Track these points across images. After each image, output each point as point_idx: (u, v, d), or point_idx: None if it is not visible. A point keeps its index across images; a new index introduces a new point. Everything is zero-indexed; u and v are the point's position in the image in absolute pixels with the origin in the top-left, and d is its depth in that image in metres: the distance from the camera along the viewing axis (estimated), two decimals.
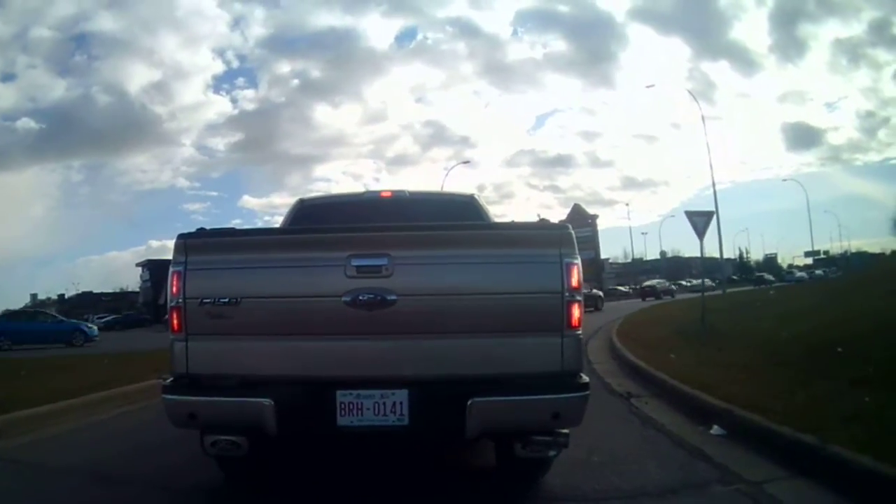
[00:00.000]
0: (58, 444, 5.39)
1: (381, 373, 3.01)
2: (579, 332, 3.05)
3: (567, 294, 2.98)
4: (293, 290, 3.03)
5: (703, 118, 32.75)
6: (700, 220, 11.56)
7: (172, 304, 3.07)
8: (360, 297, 2.92)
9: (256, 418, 2.93)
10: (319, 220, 4.76)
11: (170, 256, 3.17)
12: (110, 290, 77.41)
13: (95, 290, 76.87)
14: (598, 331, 14.78)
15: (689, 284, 70.41)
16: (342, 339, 3.00)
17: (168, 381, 3.14)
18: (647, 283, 56.32)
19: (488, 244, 3.13)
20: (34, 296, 75.73)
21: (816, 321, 9.32)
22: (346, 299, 2.93)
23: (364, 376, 3.00)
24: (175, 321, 3.07)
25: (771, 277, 67.77)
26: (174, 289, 3.06)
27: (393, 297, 2.92)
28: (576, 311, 3.01)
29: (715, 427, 4.75)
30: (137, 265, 65.45)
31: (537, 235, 3.21)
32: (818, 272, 63.46)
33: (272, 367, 3.05)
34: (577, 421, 3.05)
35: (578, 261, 3.08)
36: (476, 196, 5.38)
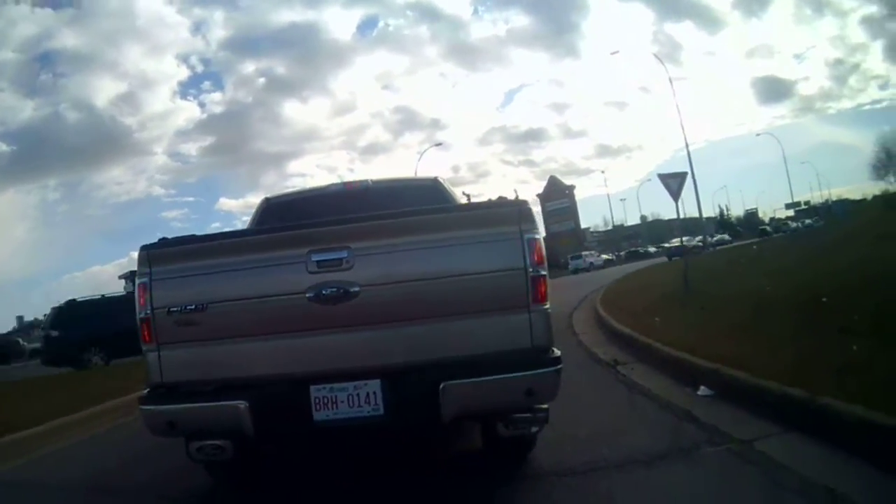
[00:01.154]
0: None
1: (352, 364, 2.97)
2: (547, 306, 3.00)
3: (531, 270, 2.94)
4: (258, 291, 2.99)
5: (670, 80, 33.00)
6: (674, 182, 11.54)
7: (141, 315, 3.07)
8: (323, 292, 2.91)
9: (234, 421, 2.91)
10: (284, 217, 4.65)
11: None
12: None
13: None
14: (583, 301, 14.74)
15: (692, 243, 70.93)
16: (310, 334, 2.97)
17: (145, 391, 3.13)
18: (675, 242, 55.62)
19: (447, 227, 3.04)
20: (20, 318, 74.75)
21: (803, 276, 9.30)
22: (309, 295, 2.91)
23: (336, 369, 2.97)
24: (145, 332, 3.07)
25: (769, 230, 68.50)
26: (141, 300, 3.07)
27: (356, 289, 2.91)
28: (542, 286, 2.97)
29: (702, 388, 4.67)
30: (120, 277, 64.66)
31: (496, 214, 3.12)
32: (808, 221, 63.82)
33: (244, 368, 3.03)
34: (551, 396, 3.00)
35: (540, 235, 3.05)
36: (439, 179, 5.38)
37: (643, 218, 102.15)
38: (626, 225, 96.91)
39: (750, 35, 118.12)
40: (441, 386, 2.82)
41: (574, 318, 11.34)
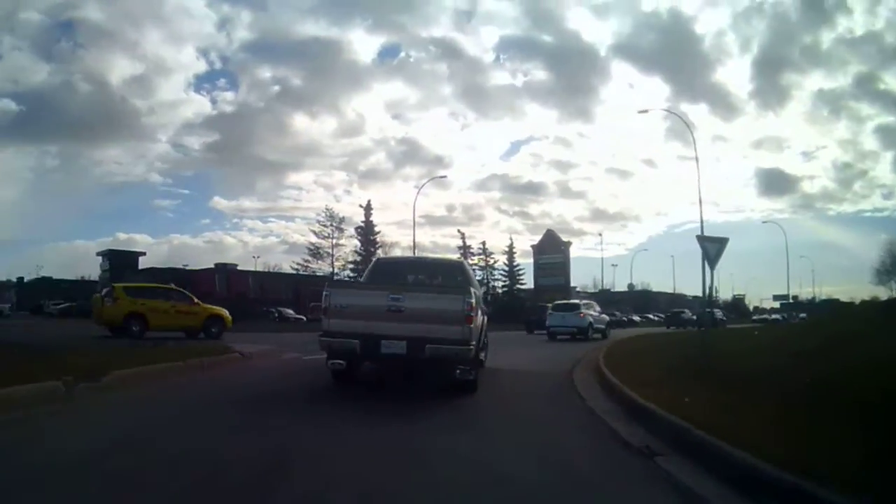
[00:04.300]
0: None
1: (395, 334, 7.57)
2: (472, 324, 7.68)
3: (465, 310, 7.66)
4: (368, 303, 7.83)
5: (693, 141, 32.14)
6: (712, 247, 10.49)
7: (325, 305, 7.90)
8: (390, 308, 7.65)
9: (351, 349, 7.72)
10: (384, 271, 10.52)
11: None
12: (71, 278, 74.34)
13: (55, 277, 74.01)
14: (578, 363, 13.47)
15: (656, 319, 70.25)
16: (383, 321, 7.61)
17: (321, 333, 7.85)
18: (675, 310, 55.61)
19: (441, 290, 8.72)
20: None
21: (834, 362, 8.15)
22: (386, 308, 7.66)
23: (391, 335, 7.57)
24: (326, 311, 7.88)
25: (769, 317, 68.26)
26: (326, 301, 7.88)
27: (402, 309, 7.65)
28: (469, 318, 7.64)
29: None
30: (98, 254, 62.88)
31: (457, 290, 8.21)
32: (802, 315, 63.22)
33: (359, 329, 7.64)
34: (467, 359, 7.69)
35: (472, 298, 7.82)
36: (463, 261, 14.26)
37: (630, 286, 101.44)
38: (613, 290, 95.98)
39: (762, 126, 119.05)
40: (426, 346, 7.45)
41: (576, 378, 10.10)
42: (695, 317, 40.02)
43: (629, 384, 8.03)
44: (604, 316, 29.71)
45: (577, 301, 31.03)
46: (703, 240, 10.71)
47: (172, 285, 24.07)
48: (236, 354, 11.93)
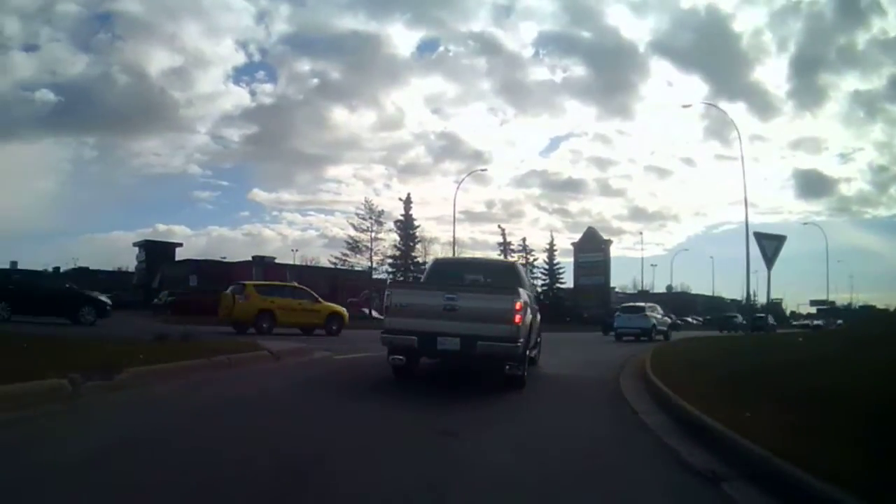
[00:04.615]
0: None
1: (450, 331, 8.12)
2: (520, 323, 8.21)
3: (514, 310, 8.17)
4: (426, 302, 8.41)
5: (742, 158, 30.77)
6: (769, 245, 9.82)
7: (386, 304, 8.67)
8: (446, 307, 8.19)
9: (410, 345, 8.30)
10: (441, 272, 11.14)
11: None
12: (108, 269, 75.43)
13: (92, 268, 75.06)
14: (623, 367, 12.78)
15: (694, 322, 68.49)
16: (440, 320, 8.15)
17: (383, 330, 8.62)
18: (727, 314, 55.23)
19: (491, 290, 9.02)
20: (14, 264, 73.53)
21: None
22: (441, 307, 8.20)
23: (446, 332, 8.11)
24: (386, 310, 8.70)
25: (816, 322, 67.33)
26: (387, 300, 8.67)
27: (457, 307, 8.18)
28: (517, 316, 8.15)
29: None
30: (135, 245, 63.63)
31: (507, 290, 8.56)
32: (839, 321, 61.18)
33: (417, 327, 8.21)
34: (516, 355, 8.22)
35: (520, 299, 8.32)
36: (516, 263, 14.21)
37: (669, 287, 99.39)
38: (651, 291, 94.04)
39: (799, 126, 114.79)
40: (478, 343, 7.99)
41: (623, 387, 9.42)
42: (744, 321, 38.88)
43: (681, 395, 7.35)
44: (666, 318, 31.31)
45: (642, 304, 32.09)
46: (760, 237, 10.04)
47: (295, 283, 25.02)
48: (265, 352, 11.46)
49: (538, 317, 11.04)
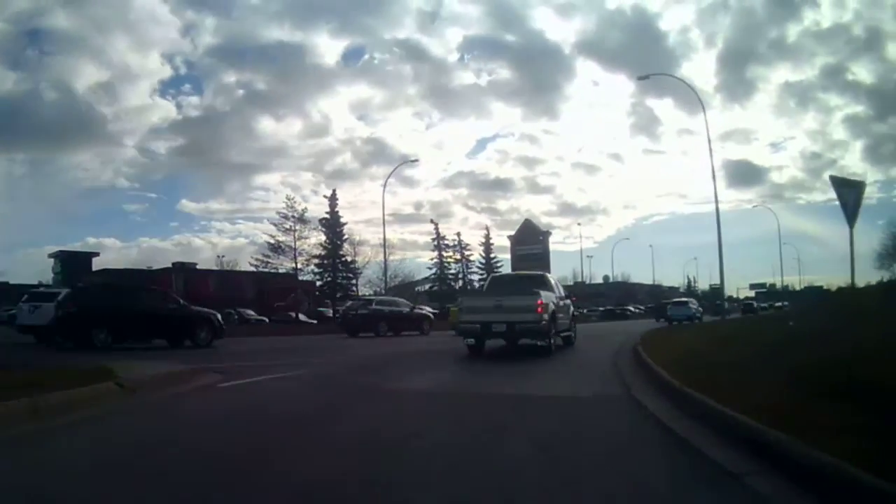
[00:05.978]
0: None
1: (500, 320, 13.23)
2: (541, 313, 12.96)
3: (536, 303, 13.00)
4: (485, 304, 13.88)
5: (703, 111, 31.26)
6: (849, 194, 8.23)
7: (460, 306, 14.87)
8: (496, 306, 13.46)
9: (475, 330, 13.72)
10: (497, 282, 19.03)
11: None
12: (30, 283, 70.85)
13: (12, 282, 70.42)
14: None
15: (637, 311, 69.48)
16: (493, 314, 13.37)
17: (458, 321, 14.87)
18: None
19: (522, 294, 13.64)
20: None
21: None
22: (494, 305, 13.53)
23: (497, 321, 13.27)
24: (461, 310, 14.48)
25: (763, 304, 70.29)
26: (461, 304, 15.00)
27: (503, 305, 13.34)
28: (540, 308, 12.98)
29: None
30: (50, 256, 59.28)
31: (531, 293, 13.42)
32: (785, 303, 63.62)
33: (480, 318, 13.57)
34: (542, 332, 13.26)
35: (539, 298, 13.13)
36: (545, 274, 18.54)
37: (605, 277, 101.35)
38: (589, 283, 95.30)
39: (728, 119, 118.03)
40: (516, 325, 13.12)
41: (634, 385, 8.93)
42: (699, 309, 43.49)
43: (692, 384, 6.79)
44: (699, 308, 43.55)
45: (686, 299, 49.12)
46: (838, 184, 8.32)
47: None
48: (111, 385, 7.38)
49: (571, 309, 17.14)
